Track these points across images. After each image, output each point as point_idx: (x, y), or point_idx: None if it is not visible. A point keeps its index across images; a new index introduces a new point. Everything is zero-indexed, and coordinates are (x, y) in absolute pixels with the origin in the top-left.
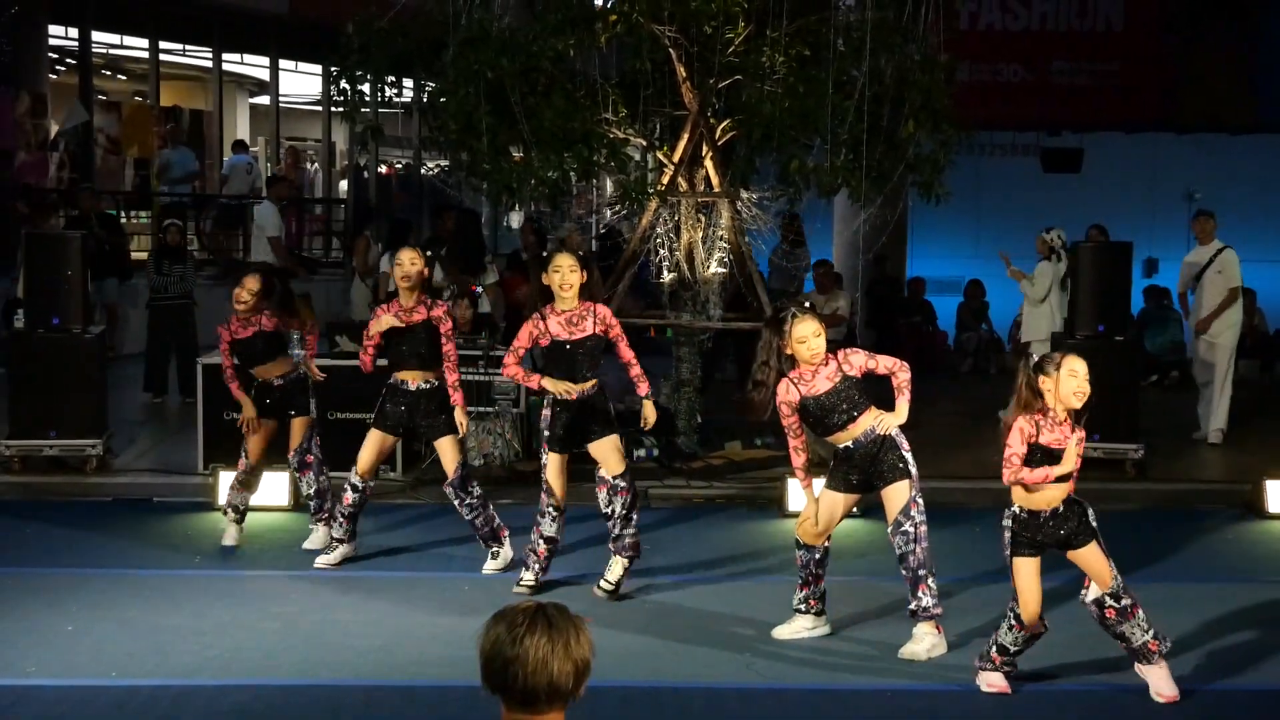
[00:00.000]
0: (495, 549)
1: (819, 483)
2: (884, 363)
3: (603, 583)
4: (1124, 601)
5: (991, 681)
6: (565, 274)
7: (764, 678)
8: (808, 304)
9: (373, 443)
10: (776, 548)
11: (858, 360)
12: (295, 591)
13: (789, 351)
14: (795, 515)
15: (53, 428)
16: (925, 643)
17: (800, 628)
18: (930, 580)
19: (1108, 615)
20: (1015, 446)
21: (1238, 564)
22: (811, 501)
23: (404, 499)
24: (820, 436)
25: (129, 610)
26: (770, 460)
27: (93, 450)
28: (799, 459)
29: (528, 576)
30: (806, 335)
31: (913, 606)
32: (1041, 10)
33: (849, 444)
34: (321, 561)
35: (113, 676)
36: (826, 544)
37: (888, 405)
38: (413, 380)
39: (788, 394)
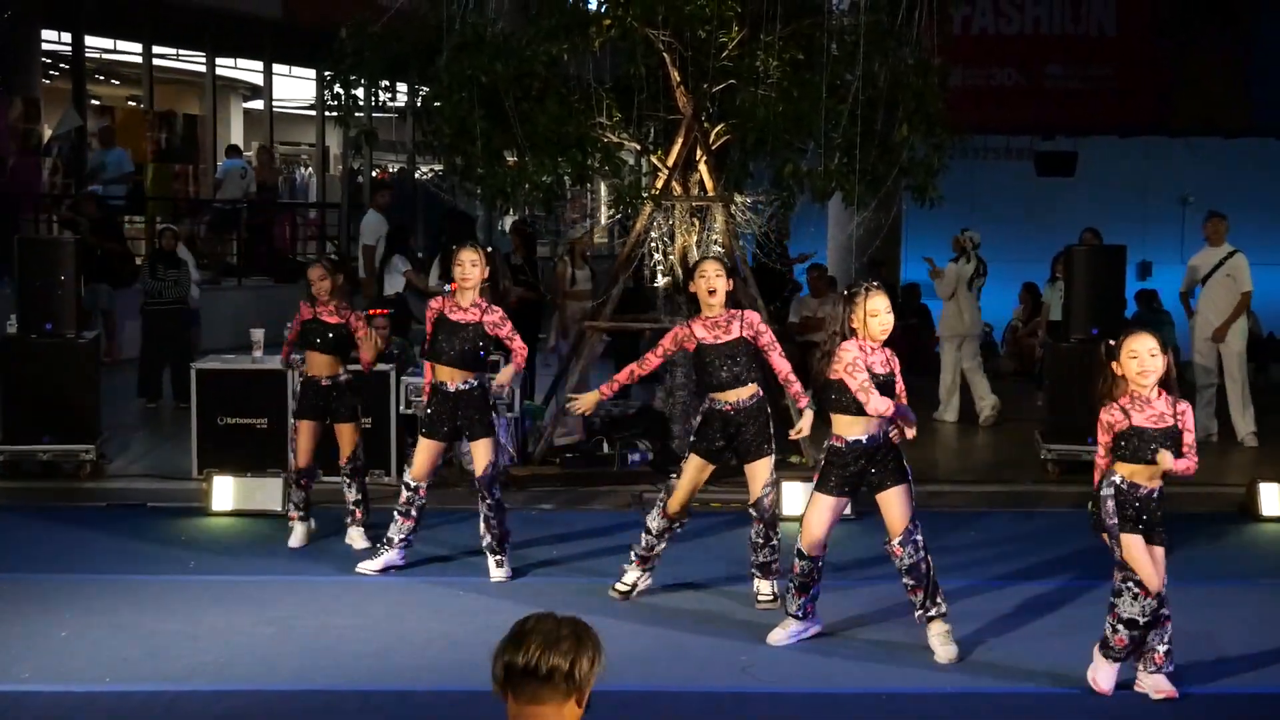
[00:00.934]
0: (501, 557)
1: (808, 486)
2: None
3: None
4: (1162, 610)
5: (1099, 680)
6: (711, 279)
7: (760, 681)
8: (876, 283)
9: (426, 451)
10: None
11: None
12: (290, 596)
13: (854, 325)
14: (790, 519)
15: (46, 433)
16: (953, 646)
17: (795, 630)
18: (939, 583)
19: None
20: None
21: (1231, 567)
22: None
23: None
24: (842, 414)
25: (123, 615)
26: None
27: (86, 455)
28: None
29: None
30: (879, 309)
31: (932, 612)
32: (1035, 14)
33: (860, 438)
34: (365, 567)
35: (107, 682)
36: (824, 552)
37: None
38: (452, 381)
39: (853, 353)
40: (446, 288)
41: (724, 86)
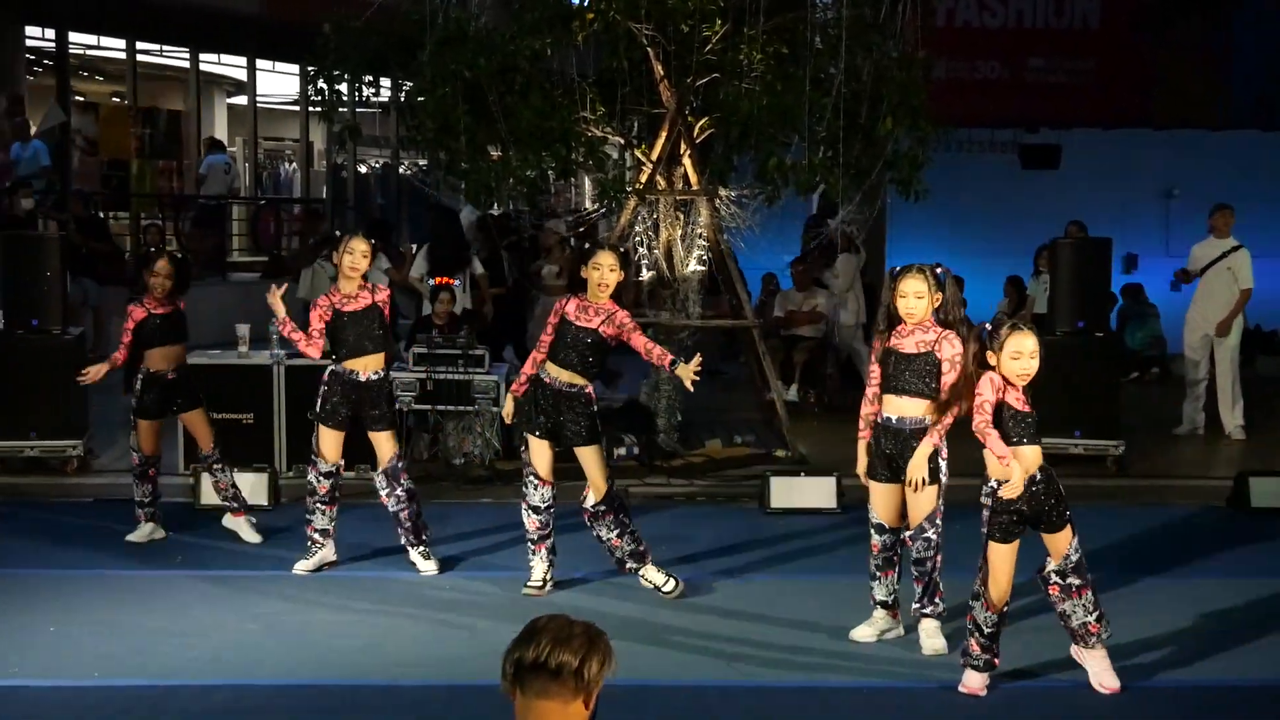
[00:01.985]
0: (424, 549)
1: (797, 480)
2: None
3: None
4: (1070, 580)
5: (968, 684)
6: (605, 272)
7: (745, 676)
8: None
9: (331, 438)
10: (756, 545)
11: (948, 353)
12: (277, 592)
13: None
14: (778, 512)
15: (32, 428)
16: (941, 639)
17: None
18: (941, 585)
19: (1051, 591)
20: (987, 394)
21: (1220, 560)
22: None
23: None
24: (884, 391)
25: (110, 611)
26: (750, 459)
27: (73, 451)
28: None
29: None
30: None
31: (927, 610)
32: (1018, 7)
33: (891, 417)
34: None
35: (94, 677)
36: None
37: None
38: (364, 370)
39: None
40: (430, 282)
41: (707, 80)
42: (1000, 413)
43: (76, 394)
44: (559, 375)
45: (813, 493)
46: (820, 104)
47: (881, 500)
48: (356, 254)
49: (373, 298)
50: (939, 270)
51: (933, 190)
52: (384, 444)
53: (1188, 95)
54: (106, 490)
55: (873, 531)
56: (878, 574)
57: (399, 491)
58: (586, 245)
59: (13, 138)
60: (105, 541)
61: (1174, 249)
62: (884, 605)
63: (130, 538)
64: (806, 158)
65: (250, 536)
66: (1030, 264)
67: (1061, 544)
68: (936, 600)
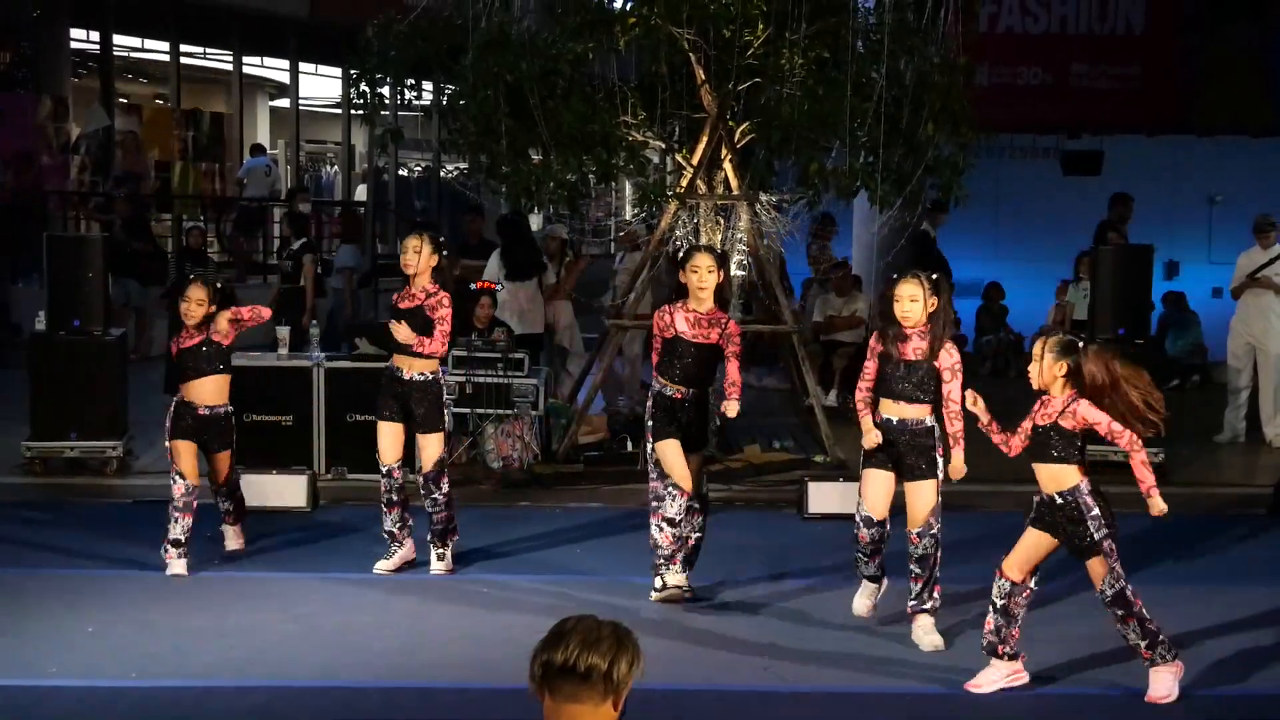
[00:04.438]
0: (442, 550)
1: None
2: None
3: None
4: (1115, 610)
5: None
6: (704, 274)
7: (782, 680)
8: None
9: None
10: (794, 550)
11: (947, 362)
12: (315, 593)
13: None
14: (816, 517)
15: (73, 429)
16: (938, 636)
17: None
18: (939, 581)
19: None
20: (1098, 416)
21: (1261, 567)
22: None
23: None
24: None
25: (149, 611)
26: (788, 464)
27: (113, 452)
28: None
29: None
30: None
31: (927, 606)
32: (1061, 13)
33: (891, 419)
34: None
35: (133, 677)
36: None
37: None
38: (409, 369)
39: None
40: (502, 286)
41: (749, 85)
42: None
43: (117, 395)
44: (681, 389)
45: (851, 498)
46: (862, 109)
47: (874, 489)
48: (408, 251)
49: (423, 300)
50: (934, 277)
51: (973, 196)
52: (426, 446)
53: (1232, 100)
54: (146, 491)
55: (860, 524)
56: (864, 558)
57: (436, 495)
58: (683, 249)
59: (57, 140)
60: (145, 542)
61: (1216, 256)
62: (873, 579)
63: (171, 571)
64: (847, 163)
65: (231, 544)
66: (1070, 270)
67: (1095, 571)
68: (935, 596)
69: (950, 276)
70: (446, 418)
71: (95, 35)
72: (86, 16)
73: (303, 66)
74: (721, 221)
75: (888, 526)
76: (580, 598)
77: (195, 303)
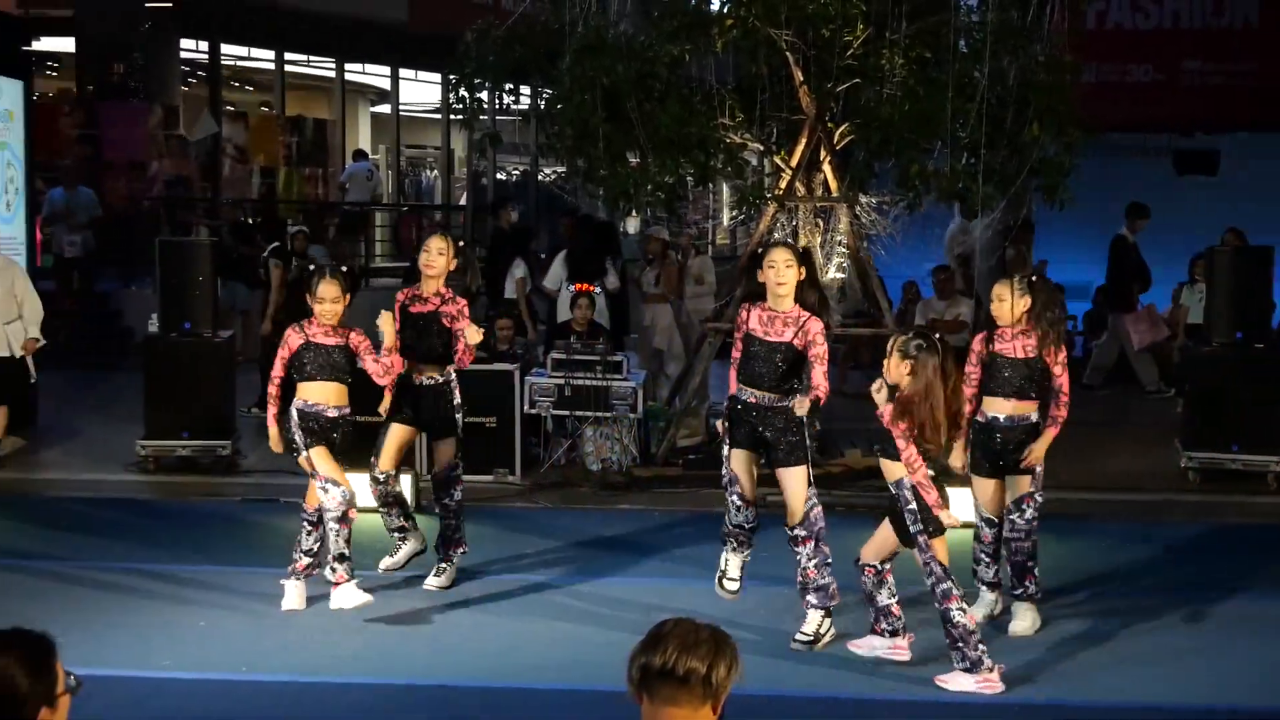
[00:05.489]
0: (442, 564)
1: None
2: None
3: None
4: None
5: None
6: (780, 270)
7: (884, 689)
8: None
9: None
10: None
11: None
12: (417, 593)
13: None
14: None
15: (185, 429)
16: (1029, 620)
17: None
18: (1036, 570)
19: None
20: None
21: None
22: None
23: (523, 503)
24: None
25: (258, 607)
26: None
27: (222, 451)
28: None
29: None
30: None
31: (1018, 591)
32: (1174, 7)
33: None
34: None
35: (242, 671)
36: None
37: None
38: (419, 375)
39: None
40: (569, 288)
41: (848, 86)
42: None
43: (226, 396)
44: (755, 393)
45: (953, 504)
46: (964, 109)
47: (986, 494)
48: (432, 251)
49: (439, 305)
50: (1033, 278)
51: (1082, 197)
52: (440, 450)
53: None
54: (253, 490)
55: (982, 525)
56: (986, 559)
57: (446, 500)
58: (759, 250)
59: (167, 148)
60: (253, 539)
61: None
62: (992, 586)
63: (286, 605)
64: (949, 164)
65: (356, 599)
66: (1185, 273)
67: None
68: (1027, 584)
69: (1148, 284)
70: (459, 422)
71: (204, 45)
72: (195, 27)
73: (403, 73)
74: (820, 224)
75: (1002, 524)
76: (678, 602)
77: (332, 300)
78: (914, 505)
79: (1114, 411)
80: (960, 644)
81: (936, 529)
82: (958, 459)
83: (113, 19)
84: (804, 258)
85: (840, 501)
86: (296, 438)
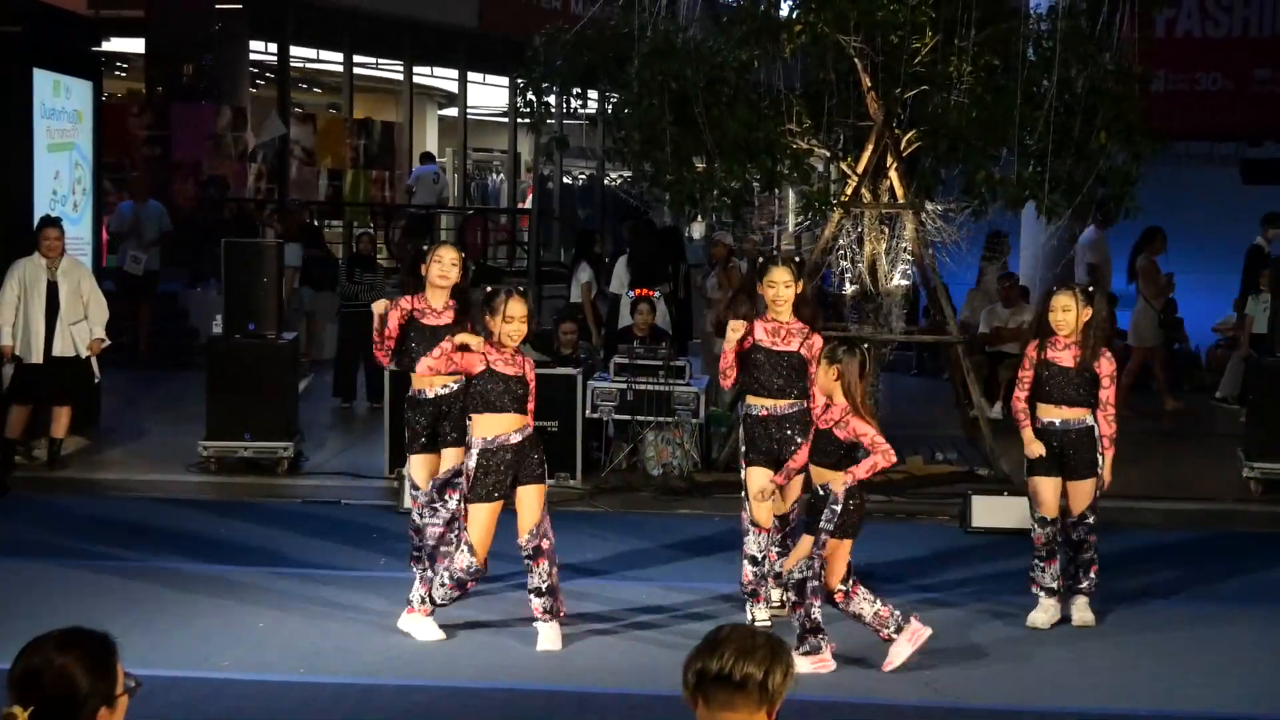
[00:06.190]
0: (417, 589)
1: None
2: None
3: None
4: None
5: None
6: (780, 289)
7: (942, 696)
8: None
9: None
10: (956, 564)
11: (1106, 369)
12: (475, 596)
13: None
14: (979, 531)
15: (247, 429)
16: (1090, 613)
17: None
18: (1095, 567)
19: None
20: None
21: None
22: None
23: (583, 507)
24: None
25: (318, 608)
26: (952, 477)
27: (284, 453)
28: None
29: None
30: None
31: (1083, 586)
32: (1244, 16)
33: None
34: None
35: (301, 673)
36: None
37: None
38: (430, 387)
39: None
40: (630, 294)
41: (916, 92)
42: None
43: (289, 397)
44: (765, 404)
45: (1015, 513)
46: (1032, 117)
47: (1046, 494)
48: (445, 262)
49: (454, 317)
50: (1090, 290)
51: (1149, 205)
52: (446, 458)
53: None
54: (315, 491)
55: (1036, 525)
56: (1041, 564)
57: (437, 505)
58: (760, 260)
59: (235, 149)
60: (313, 541)
61: None
62: (1051, 592)
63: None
64: (1015, 172)
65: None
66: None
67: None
68: (1092, 576)
69: None
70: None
71: (273, 47)
72: (265, 29)
73: (471, 76)
74: (886, 230)
75: (1059, 525)
76: (735, 608)
77: (521, 320)
78: (839, 507)
79: (1179, 420)
80: (810, 635)
81: (844, 535)
82: (1035, 448)
83: (183, 20)
84: (798, 273)
85: (900, 509)
86: (469, 479)
